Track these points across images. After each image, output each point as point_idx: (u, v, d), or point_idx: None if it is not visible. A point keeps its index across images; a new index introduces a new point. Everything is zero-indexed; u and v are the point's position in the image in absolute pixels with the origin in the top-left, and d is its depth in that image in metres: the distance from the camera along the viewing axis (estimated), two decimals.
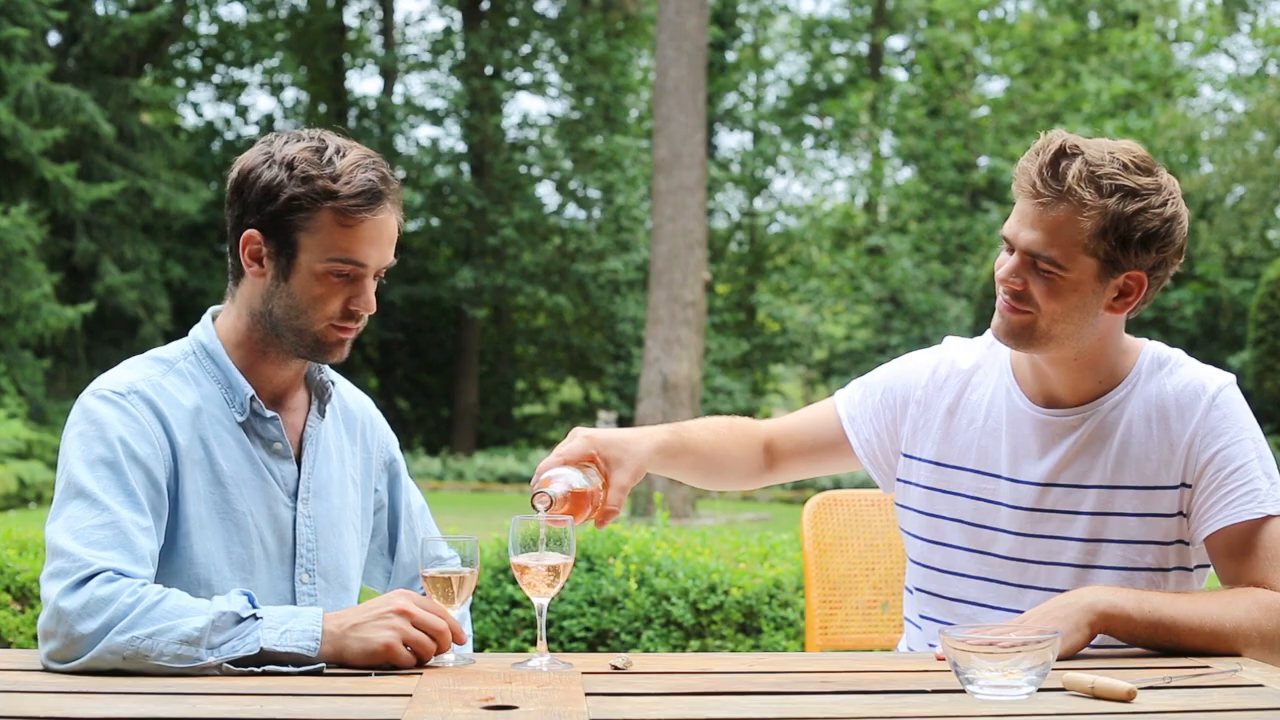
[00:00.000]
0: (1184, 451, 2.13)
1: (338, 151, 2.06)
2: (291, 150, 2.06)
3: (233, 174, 2.11)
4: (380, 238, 2.07)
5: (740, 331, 28.37)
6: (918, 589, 2.32)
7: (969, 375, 2.29)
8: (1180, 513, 2.15)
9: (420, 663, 1.88)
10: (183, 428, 2.05)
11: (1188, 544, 2.16)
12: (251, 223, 2.07)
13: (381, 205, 2.06)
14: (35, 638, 3.22)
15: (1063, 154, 2.05)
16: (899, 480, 2.33)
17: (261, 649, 1.83)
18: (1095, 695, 1.67)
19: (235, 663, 1.83)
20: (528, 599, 4.39)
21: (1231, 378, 2.19)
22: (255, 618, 1.85)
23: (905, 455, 2.32)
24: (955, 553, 2.25)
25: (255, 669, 1.83)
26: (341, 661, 1.86)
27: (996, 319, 2.14)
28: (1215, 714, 1.61)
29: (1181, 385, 2.16)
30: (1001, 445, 2.22)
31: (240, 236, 2.08)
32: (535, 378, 29.83)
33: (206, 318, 2.17)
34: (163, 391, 2.06)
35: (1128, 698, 1.65)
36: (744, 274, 29.59)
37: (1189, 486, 2.14)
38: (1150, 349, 2.22)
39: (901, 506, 2.34)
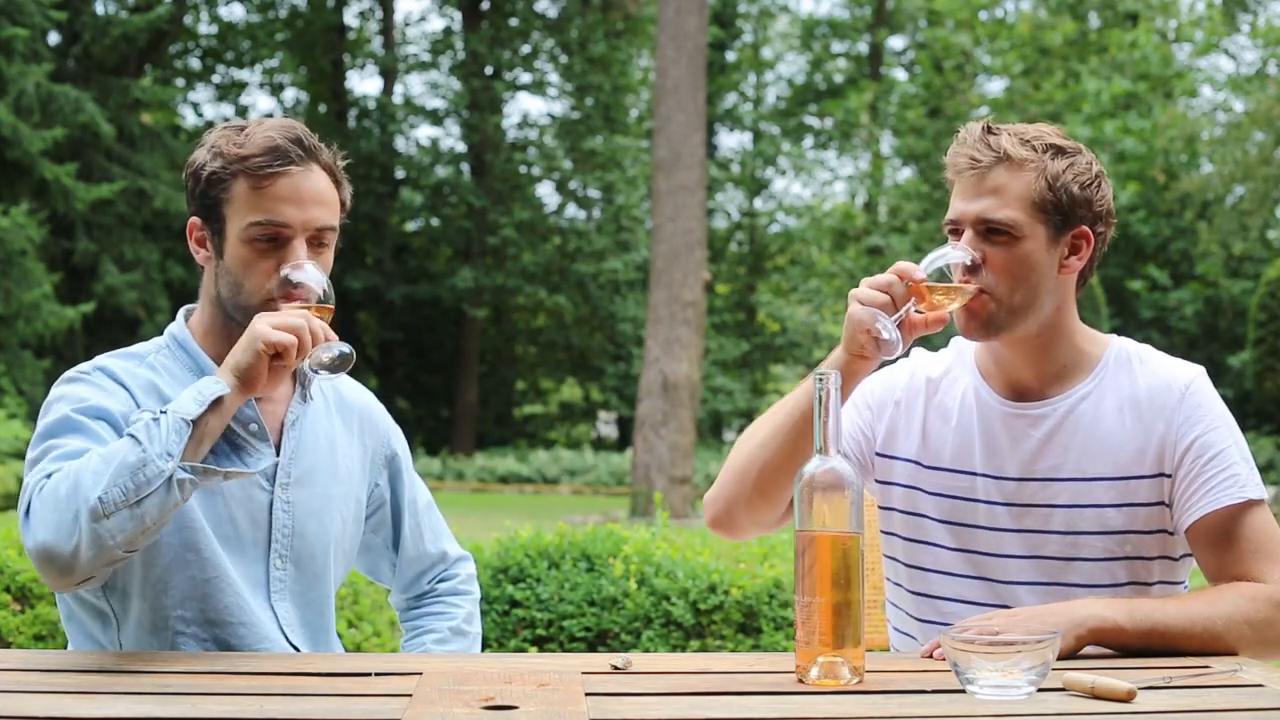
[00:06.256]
0: (1159, 441, 2.15)
1: (258, 124, 2.10)
2: (219, 134, 2.12)
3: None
4: (300, 197, 2.05)
5: (740, 331, 28.38)
6: (911, 591, 2.31)
7: (940, 380, 2.32)
8: (1162, 502, 2.16)
9: (300, 350, 1.93)
10: (149, 401, 2.06)
11: (1171, 533, 2.17)
12: (191, 210, 2.12)
13: (293, 163, 2.05)
14: (35, 638, 3.20)
15: (988, 130, 2.18)
16: (879, 482, 2.33)
17: (191, 421, 1.87)
18: (1095, 695, 1.67)
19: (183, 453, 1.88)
20: (528, 598, 4.38)
21: (1201, 369, 2.21)
22: (163, 412, 1.88)
23: (880, 454, 2.32)
24: (941, 551, 2.26)
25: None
26: (247, 377, 1.93)
27: (959, 314, 2.17)
28: (1215, 714, 1.61)
29: (1153, 377, 2.20)
30: (975, 442, 2.24)
31: (187, 227, 2.15)
32: (535, 378, 29.85)
33: (180, 313, 2.20)
34: (128, 373, 2.08)
35: (1128, 698, 1.65)
36: (744, 274, 29.60)
37: (1169, 476, 2.15)
38: (1118, 344, 2.25)
39: (884, 508, 2.34)
